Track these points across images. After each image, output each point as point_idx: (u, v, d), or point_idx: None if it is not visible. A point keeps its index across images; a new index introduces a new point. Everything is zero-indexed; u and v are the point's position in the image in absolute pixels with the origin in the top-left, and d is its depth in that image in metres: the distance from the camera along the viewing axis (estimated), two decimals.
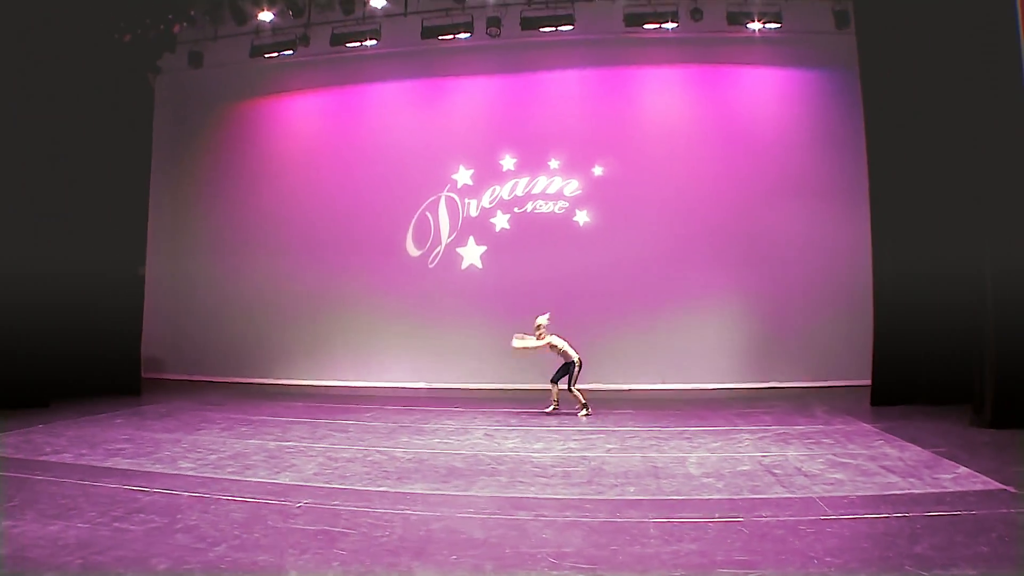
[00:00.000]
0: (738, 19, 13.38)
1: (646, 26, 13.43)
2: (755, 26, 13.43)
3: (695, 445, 8.30)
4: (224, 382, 15.00)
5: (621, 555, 4.94)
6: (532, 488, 6.60)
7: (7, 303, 10.71)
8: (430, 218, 14.87)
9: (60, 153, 11.89)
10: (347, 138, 15.28)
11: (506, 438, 8.86)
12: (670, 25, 13.35)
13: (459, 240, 14.75)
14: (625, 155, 14.20)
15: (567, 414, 10.75)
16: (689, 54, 13.97)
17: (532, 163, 14.50)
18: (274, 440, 8.62)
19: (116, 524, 5.56)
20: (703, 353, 13.57)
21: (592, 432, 9.27)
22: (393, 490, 6.51)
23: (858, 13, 11.60)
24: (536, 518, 5.75)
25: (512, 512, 5.90)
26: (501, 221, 14.60)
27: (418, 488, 6.54)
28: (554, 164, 14.46)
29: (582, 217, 14.30)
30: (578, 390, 10.23)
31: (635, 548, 5.06)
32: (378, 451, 8.02)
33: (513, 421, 10.13)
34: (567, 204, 14.35)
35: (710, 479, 6.79)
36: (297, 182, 15.44)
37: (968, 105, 9.37)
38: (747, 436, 8.74)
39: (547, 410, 10.11)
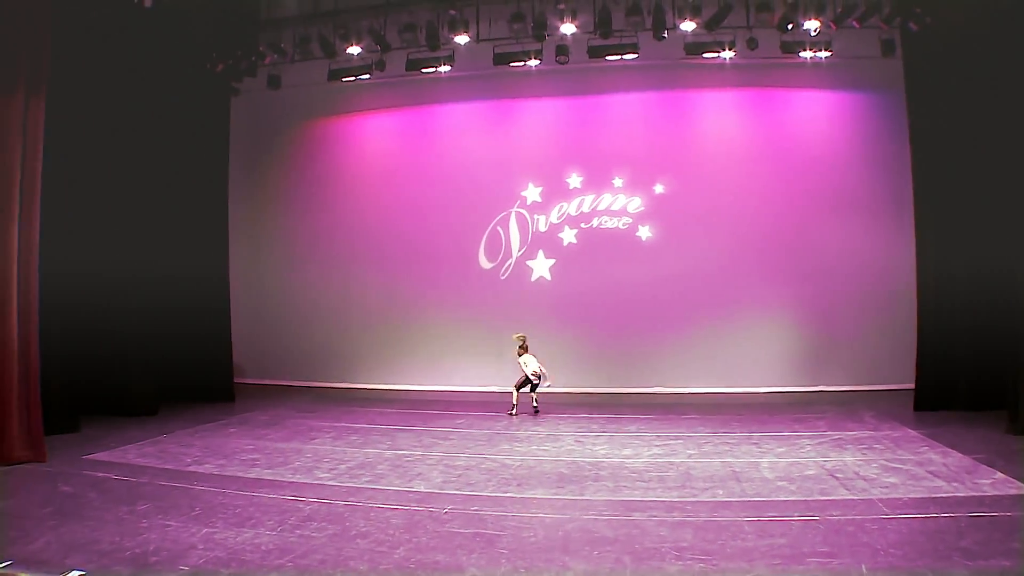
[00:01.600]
0: (791, 48, 13.96)
1: (705, 55, 14.07)
2: (807, 54, 14.03)
3: (763, 451, 9.11)
4: (303, 386, 15.30)
5: (728, 548, 6.03)
6: (636, 492, 7.43)
7: (114, 306, 11.04)
8: (501, 233, 15.27)
9: (149, 168, 12.44)
10: (421, 156, 15.61)
11: (595, 444, 9.49)
12: (728, 54, 13.99)
13: (529, 253, 15.12)
14: (684, 174, 14.56)
15: (643, 419, 11.27)
16: (744, 78, 14.39)
17: (597, 181, 14.87)
18: (388, 449, 9.07)
19: (298, 532, 6.03)
20: (757, 358, 14.02)
21: (670, 438, 9.86)
22: (520, 495, 7.17)
23: (904, 42, 12.39)
24: (650, 518, 6.73)
25: (628, 513, 6.75)
26: (568, 236, 14.96)
27: (539, 493, 7.23)
28: (618, 182, 14.84)
29: (644, 232, 14.70)
30: (521, 394, 10.76)
31: (737, 543, 6.16)
32: (487, 459, 8.55)
33: (594, 427, 10.61)
34: (630, 220, 14.73)
35: (783, 482, 7.70)
36: (373, 197, 15.75)
37: (1009, 125, 10.05)
38: (807, 441, 9.49)
39: (533, 412, 10.54)
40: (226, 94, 14.52)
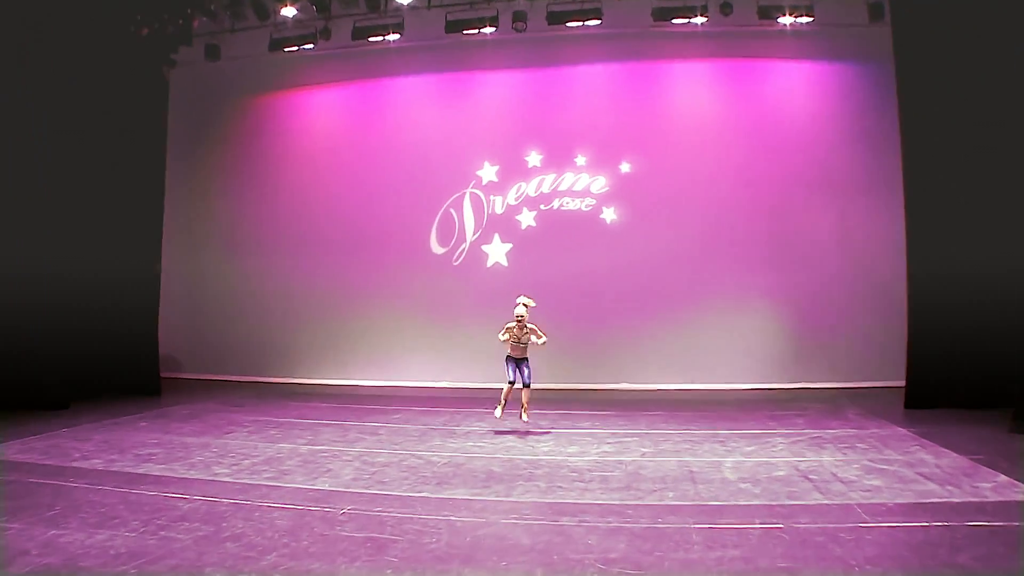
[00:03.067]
0: (769, 13, 13.43)
1: (675, 20, 13.55)
2: (786, 20, 13.46)
3: (729, 449, 8.42)
4: (243, 381, 15.04)
5: (667, 561, 5.17)
6: (572, 493, 6.75)
7: (24, 303, 10.72)
8: (455, 215, 14.91)
9: (72, 149, 12.00)
10: (369, 133, 15.32)
11: (539, 441, 8.94)
12: (699, 20, 13.43)
13: (484, 238, 14.78)
14: (653, 152, 14.20)
15: (599, 416, 10.76)
16: (718, 48, 13.96)
17: (558, 160, 14.52)
18: (306, 444, 8.64)
19: (163, 533, 5.64)
20: (733, 353, 13.62)
21: (625, 435, 9.32)
22: (435, 496, 6.61)
23: (893, 5, 11.62)
24: (579, 524, 5.94)
25: (555, 518, 6.07)
26: (527, 218, 14.63)
27: (460, 493, 6.65)
28: (581, 160, 14.48)
29: (609, 214, 14.33)
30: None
31: (680, 554, 5.29)
32: (413, 455, 8.08)
33: (543, 423, 10.14)
34: (594, 201, 14.36)
35: (747, 484, 6.94)
36: (318, 178, 15.47)
37: (1011, 99, 9.35)
38: (781, 440, 8.84)
39: (524, 419, 9.50)
40: (160, 65, 13.91)
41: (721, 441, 8.86)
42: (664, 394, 13.00)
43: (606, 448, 8.53)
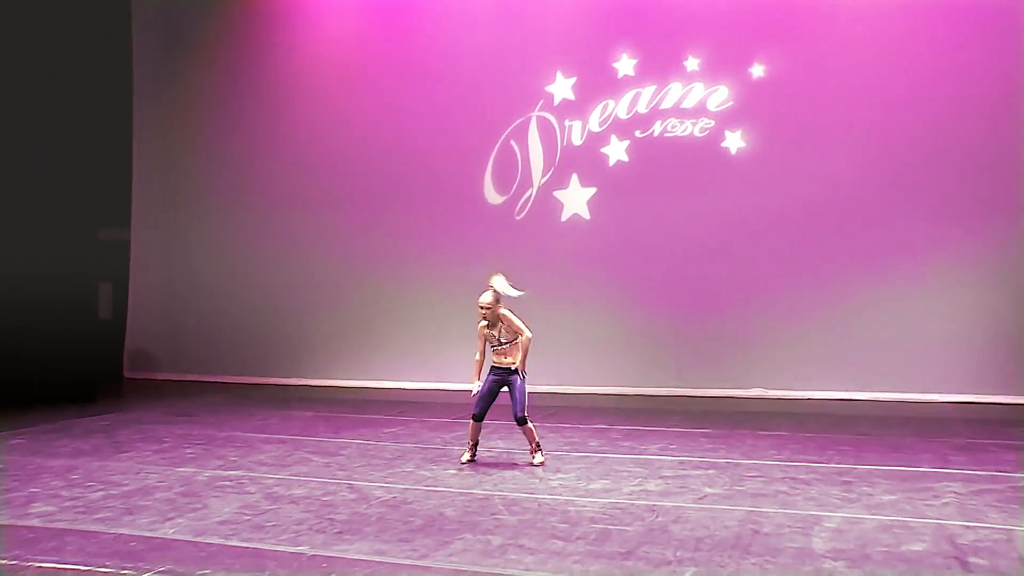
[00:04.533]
0: None
1: None
2: None
3: (851, 497, 7.18)
4: (242, 384, 15.29)
5: None
6: (528, 558, 5.64)
7: None
8: (516, 150, 14.54)
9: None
10: (399, 43, 15.13)
11: (559, 471, 8.31)
12: None
13: (557, 180, 14.40)
14: (801, 47, 13.49)
15: (684, 435, 10.15)
16: None
17: (661, 65, 13.96)
18: (216, 469, 8.48)
19: None
20: (921, 349, 12.89)
21: (698, 465, 8.54)
22: (314, 552, 5.85)
23: None
24: None
25: None
26: (617, 151, 14.07)
27: (355, 549, 5.88)
28: (692, 65, 13.85)
29: (734, 141, 13.66)
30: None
31: None
32: (348, 487, 7.69)
33: (592, 442, 9.74)
34: (712, 123, 13.76)
35: (840, 563, 5.43)
36: (332, 110, 15.45)
37: None
38: (953, 489, 7.38)
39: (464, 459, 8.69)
40: None
41: (847, 483, 7.65)
42: (815, 406, 12.49)
43: (651, 484, 7.72)
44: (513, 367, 8.26)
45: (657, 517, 6.50)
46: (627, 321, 13.76)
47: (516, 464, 8.58)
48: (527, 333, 8.26)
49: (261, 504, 6.97)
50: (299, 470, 8.28)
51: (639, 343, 13.78)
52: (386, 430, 10.52)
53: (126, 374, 15.83)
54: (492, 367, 8.49)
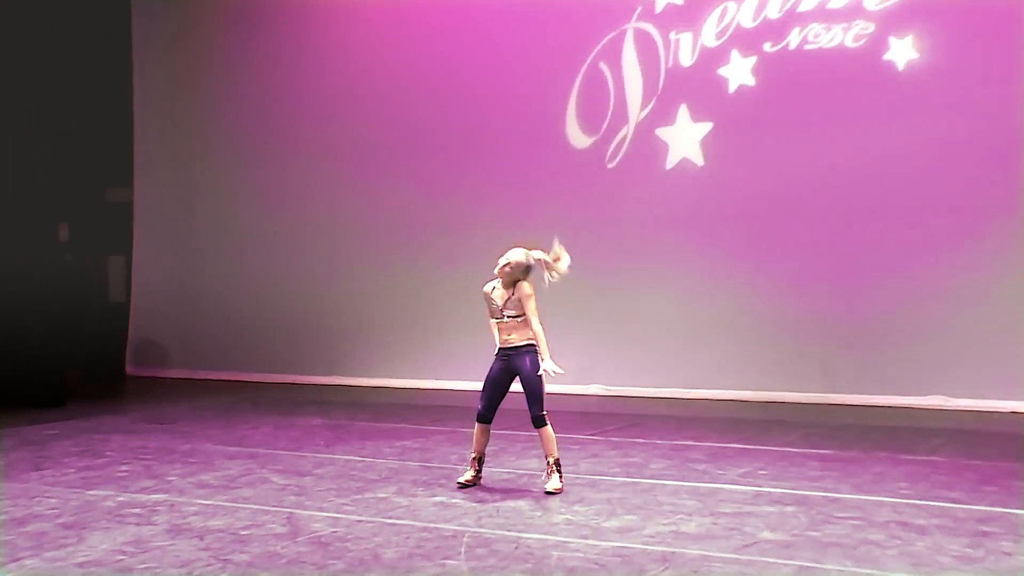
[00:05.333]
0: None
1: None
2: None
3: (975, 555, 6.55)
4: (263, 383, 15.85)
5: None
6: None
7: None
8: (607, 75, 14.43)
9: None
10: None
11: (582, 500, 8.12)
12: None
13: (661, 114, 14.25)
14: None
15: (791, 457, 10.01)
16: None
17: None
18: (140, 491, 8.59)
19: None
20: None
21: (780, 500, 8.23)
22: None
23: None
24: None
25: None
26: (739, 71, 13.82)
27: None
28: None
29: (901, 52, 13.16)
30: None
31: None
32: (289, 516, 7.72)
33: (656, 465, 9.52)
34: (870, 27, 13.31)
35: None
36: (365, 39, 15.75)
37: None
38: None
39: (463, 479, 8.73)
40: None
41: (983, 534, 7.01)
42: (1013, 421, 12.20)
43: (691, 524, 7.42)
44: (521, 344, 8.15)
45: (664, 570, 6.11)
46: (753, 303, 13.64)
47: (531, 491, 8.40)
48: (535, 324, 8.15)
49: (155, 539, 6.95)
50: (241, 495, 8.34)
51: (769, 333, 13.63)
52: (397, 443, 10.75)
53: (129, 371, 16.50)
54: (498, 350, 8.42)
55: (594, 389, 14.35)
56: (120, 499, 8.25)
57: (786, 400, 13.27)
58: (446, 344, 15.27)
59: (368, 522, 7.47)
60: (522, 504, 8.03)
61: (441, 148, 15.33)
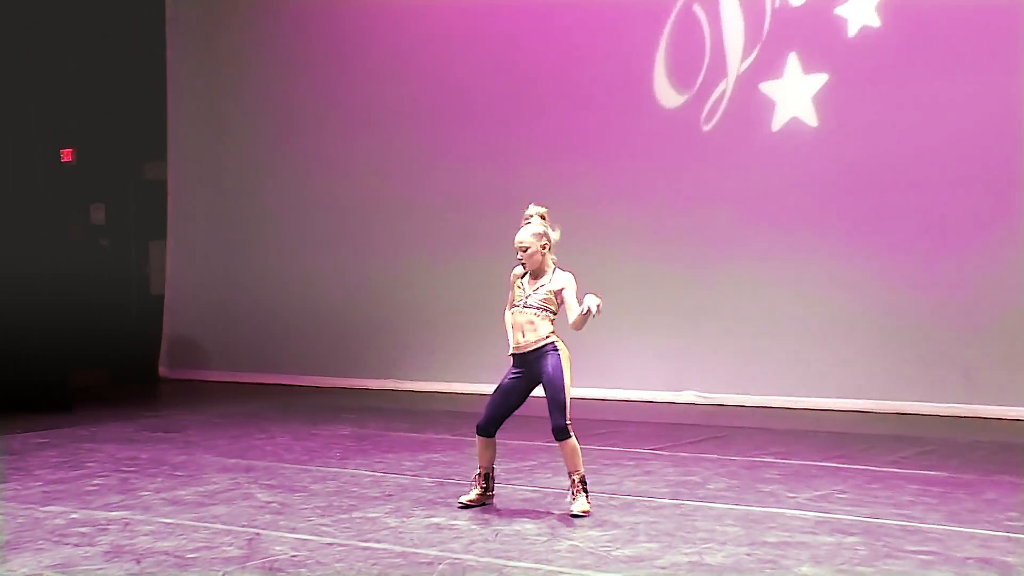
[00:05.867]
0: None
1: None
2: None
3: None
4: (307, 387, 16.26)
5: None
6: None
7: None
8: (702, 20, 14.34)
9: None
10: None
11: (604, 523, 8.04)
12: None
13: (765, 64, 14.15)
14: None
15: (883, 476, 9.98)
16: None
17: None
18: (101, 507, 8.77)
19: None
20: None
21: (846, 528, 8.08)
22: None
23: None
24: None
25: None
26: (861, 10, 13.56)
27: None
28: None
29: None
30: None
31: None
32: (252, 538, 7.85)
33: (714, 486, 9.48)
34: None
35: None
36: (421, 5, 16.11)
37: None
38: None
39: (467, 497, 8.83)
40: None
41: None
42: None
43: (719, 554, 7.28)
44: (540, 345, 7.98)
45: None
46: (880, 296, 13.39)
47: (550, 513, 8.36)
48: (597, 303, 7.82)
49: (85, 562, 6.99)
50: (212, 512, 8.43)
51: (901, 332, 13.32)
52: (422, 456, 10.90)
53: (162, 372, 16.87)
54: (514, 356, 8.26)
55: (687, 397, 14.24)
56: (73, 516, 8.41)
57: (919, 412, 13.00)
58: None
59: (340, 545, 7.48)
60: (529, 528, 7.94)
61: (504, 115, 15.38)
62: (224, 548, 7.47)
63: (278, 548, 7.49)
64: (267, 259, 17.07)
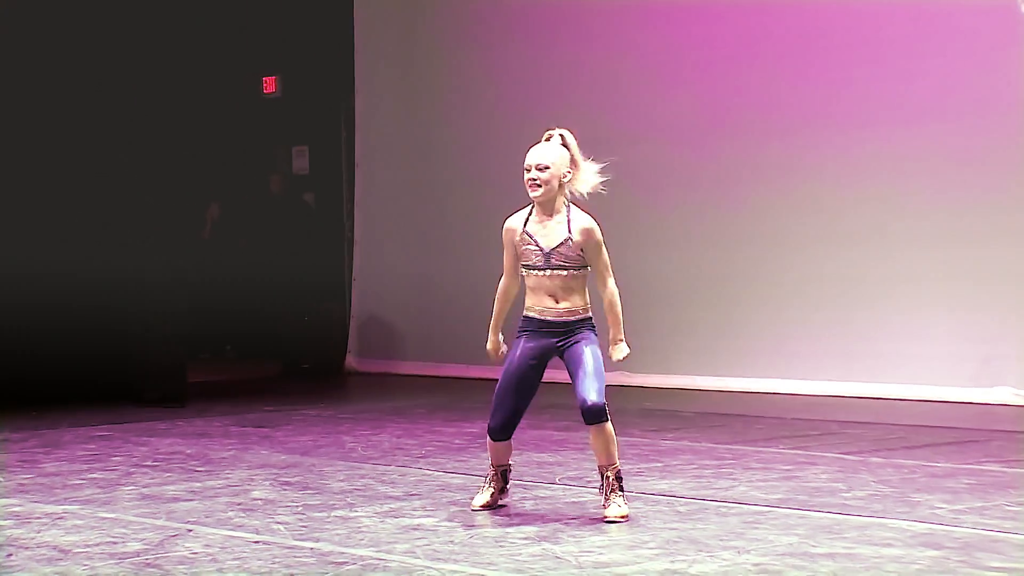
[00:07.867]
0: None
1: None
2: None
3: None
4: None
5: None
6: None
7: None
8: None
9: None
10: None
11: (612, 528, 7.32)
12: None
13: None
14: None
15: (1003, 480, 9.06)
16: None
17: None
18: (49, 503, 8.60)
19: None
20: None
21: (923, 538, 7.16)
22: None
23: None
24: None
25: None
26: None
27: None
28: None
29: None
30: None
31: None
32: (191, 530, 7.52)
33: (843, 486, 8.69)
34: None
35: None
36: None
37: None
38: None
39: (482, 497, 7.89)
40: None
41: None
42: None
43: (717, 564, 6.47)
44: (577, 318, 6.81)
45: None
46: None
47: (565, 516, 7.46)
48: (612, 285, 6.88)
49: None
50: (168, 508, 8.07)
51: None
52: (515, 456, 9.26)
53: (349, 364, 16.46)
54: (528, 322, 6.95)
55: (999, 395, 12.65)
56: (15, 510, 8.21)
57: None
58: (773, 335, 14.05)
59: (257, 543, 6.81)
60: (511, 533, 7.00)
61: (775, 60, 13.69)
62: (130, 543, 6.88)
63: (190, 544, 6.90)
64: (466, 242, 15.74)
